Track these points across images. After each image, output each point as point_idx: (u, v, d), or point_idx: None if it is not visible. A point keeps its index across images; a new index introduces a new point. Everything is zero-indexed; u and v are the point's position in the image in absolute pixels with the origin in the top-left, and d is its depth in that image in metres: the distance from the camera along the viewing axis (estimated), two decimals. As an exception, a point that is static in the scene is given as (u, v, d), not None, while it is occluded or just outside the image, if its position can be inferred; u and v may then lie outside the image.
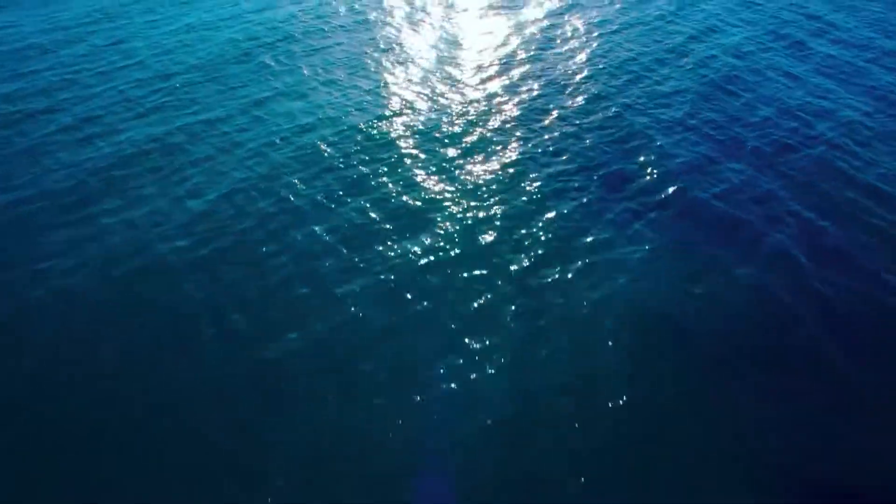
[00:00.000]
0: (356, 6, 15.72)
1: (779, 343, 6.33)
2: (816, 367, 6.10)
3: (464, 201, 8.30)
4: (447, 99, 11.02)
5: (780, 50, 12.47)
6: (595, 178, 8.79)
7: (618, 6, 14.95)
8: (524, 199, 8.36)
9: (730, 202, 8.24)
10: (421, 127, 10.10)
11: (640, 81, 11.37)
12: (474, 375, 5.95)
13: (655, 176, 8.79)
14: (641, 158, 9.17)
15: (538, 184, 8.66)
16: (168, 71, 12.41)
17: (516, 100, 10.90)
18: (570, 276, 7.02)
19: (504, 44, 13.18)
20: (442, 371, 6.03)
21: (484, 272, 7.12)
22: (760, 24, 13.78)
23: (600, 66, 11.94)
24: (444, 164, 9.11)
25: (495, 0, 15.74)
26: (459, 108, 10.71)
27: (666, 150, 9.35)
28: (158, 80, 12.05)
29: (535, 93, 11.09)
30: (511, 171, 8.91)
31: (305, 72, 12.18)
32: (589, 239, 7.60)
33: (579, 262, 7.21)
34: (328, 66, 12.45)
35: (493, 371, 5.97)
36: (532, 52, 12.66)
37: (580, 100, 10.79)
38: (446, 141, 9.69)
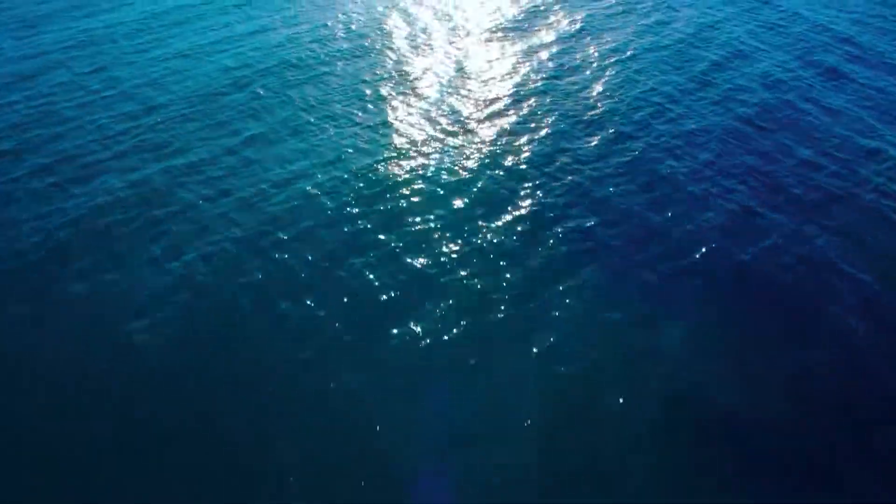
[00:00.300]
0: (354, 28, 14.84)
1: (846, 446, 5.41)
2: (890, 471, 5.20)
3: (470, 265, 7.39)
4: (450, 138, 10.09)
5: (811, 78, 11.52)
6: (617, 233, 7.88)
7: (632, 30, 13.99)
8: (539, 260, 7.45)
9: (773, 265, 7.32)
10: (422, 171, 9.19)
11: (661, 116, 10.45)
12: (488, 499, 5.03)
13: (685, 231, 7.87)
14: (668, 210, 8.24)
15: (553, 241, 7.75)
16: (152, 102, 11.54)
17: (526, 138, 9.98)
18: (594, 364, 6.09)
19: (512, 73, 12.24)
20: (450, 486, 5.12)
21: (496, 359, 6.21)
22: (787, 49, 12.83)
23: (617, 99, 11.01)
24: (447, 218, 8.19)
25: (502, 23, 14.79)
26: (464, 149, 9.77)
27: (695, 199, 8.43)
28: (141, 113, 11.19)
29: (547, 130, 10.16)
30: (522, 227, 7.98)
31: (299, 104, 11.28)
32: (613, 314, 6.67)
33: (605, 346, 6.29)
34: (324, 97, 11.55)
35: (509, 490, 5.04)
36: (542, 83, 11.71)
37: (596, 139, 9.86)
38: (450, 189, 8.76)
